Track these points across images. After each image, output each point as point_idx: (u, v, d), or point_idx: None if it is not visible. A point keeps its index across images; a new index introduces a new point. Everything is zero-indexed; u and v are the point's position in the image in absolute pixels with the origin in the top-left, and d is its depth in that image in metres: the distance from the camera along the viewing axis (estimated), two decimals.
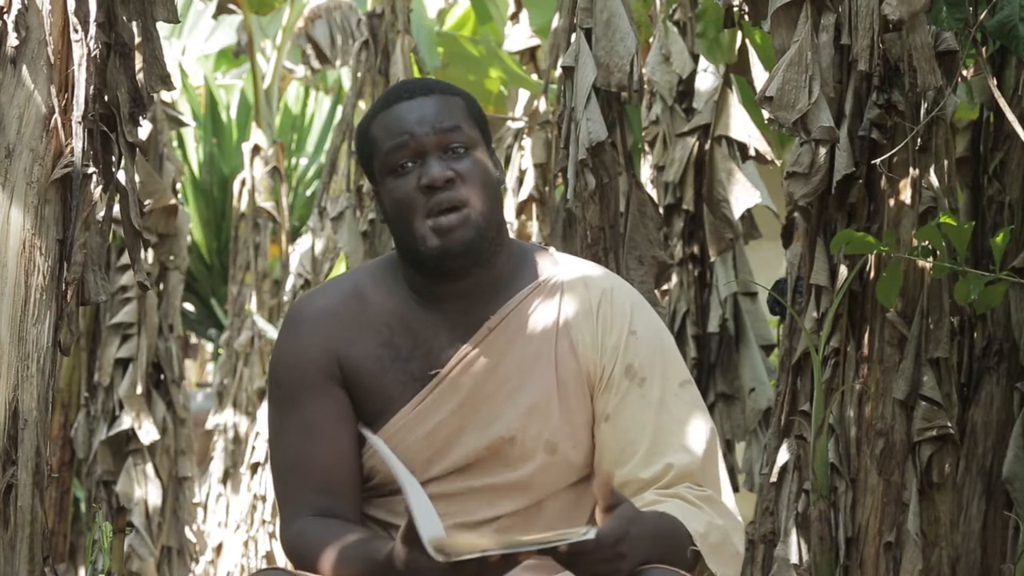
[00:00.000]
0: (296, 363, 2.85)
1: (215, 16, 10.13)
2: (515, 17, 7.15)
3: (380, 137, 2.82)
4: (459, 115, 2.82)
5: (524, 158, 6.99)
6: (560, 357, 2.84)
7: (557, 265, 2.91)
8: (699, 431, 2.82)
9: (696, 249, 6.47)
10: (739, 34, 5.51)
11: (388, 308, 2.85)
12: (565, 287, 2.88)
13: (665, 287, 6.24)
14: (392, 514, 2.85)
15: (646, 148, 6.48)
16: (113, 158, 3.36)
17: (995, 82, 3.99)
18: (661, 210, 5.99)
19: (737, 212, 5.96)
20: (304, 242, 8.79)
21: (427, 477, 2.81)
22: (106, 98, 3.34)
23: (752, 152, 5.89)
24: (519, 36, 6.96)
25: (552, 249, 2.96)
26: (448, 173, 2.76)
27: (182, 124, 7.94)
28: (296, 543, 2.80)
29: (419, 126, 2.79)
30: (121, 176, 3.36)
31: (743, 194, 5.94)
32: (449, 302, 2.83)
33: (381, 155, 2.81)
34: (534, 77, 7.07)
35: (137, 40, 3.39)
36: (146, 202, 6.98)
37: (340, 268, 7.49)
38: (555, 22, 5.55)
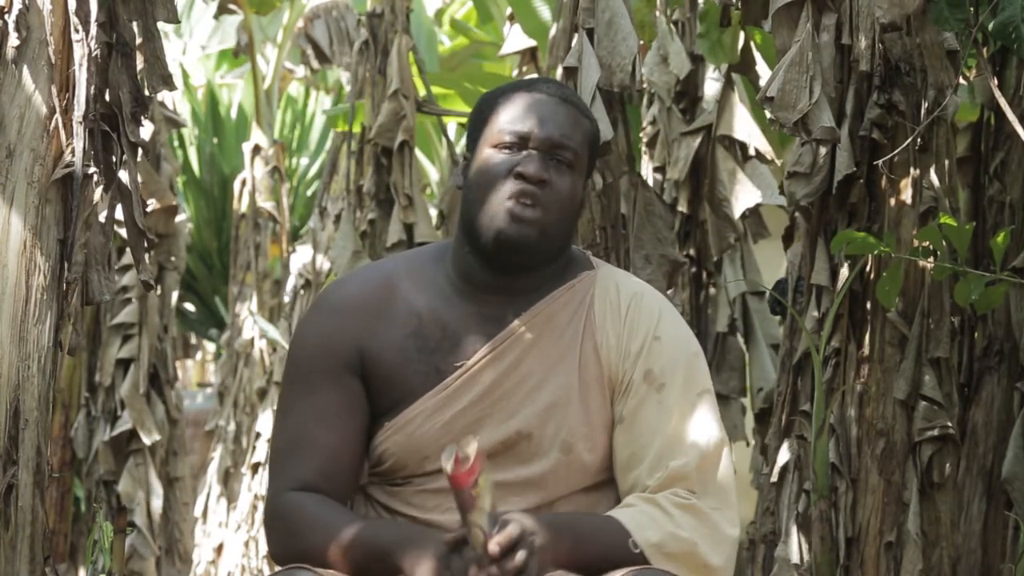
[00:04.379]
0: (315, 349, 2.88)
1: (216, 16, 10.15)
2: (514, 18, 7.15)
3: (504, 111, 2.87)
4: (580, 137, 2.88)
5: None
6: (584, 358, 2.87)
7: (593, 269, 2.95)
8: (704, 439, 2.83)
9: (693, 250, 6.47)
10: (741, 34, 5.51)
11: (420, 299, 2.88)
12: (596, 289, 2.91)
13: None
14: (401, 503, 2.87)
15: (644, 148, 6.48)
16: (115, 158, 3.36)
17: (996, 82, 3.99)
18: None
19: (737, 212, 5.96)
20: (305, 243, 8.80)
21: (439, 467, 2.82)
22: (107, 98, 3.34)
23: (752, 152, 5.89)
24: (518, 36, 6.96)
25: (590, 253, 3.00)
26: (544, 174, 2.81)
27: (178, 125, 7.95)
28: (290, 515, 2.81)
29: (542, 125, 2.84)
30: (123, 176, 3.36)
31: (744, 194, 5.95)
32: (484, 296, 2.87)
33: (496, 126, 2.86)
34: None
35: (138, 40, 3.39)
36: (149, 202, 6.99)
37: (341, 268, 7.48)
38: (556, 23, 5.54)
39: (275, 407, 9.28)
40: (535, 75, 2.99)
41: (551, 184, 2.81)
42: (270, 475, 2.91)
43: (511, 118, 2.85)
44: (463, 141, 9.13)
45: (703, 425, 2.84)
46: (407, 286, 2.89)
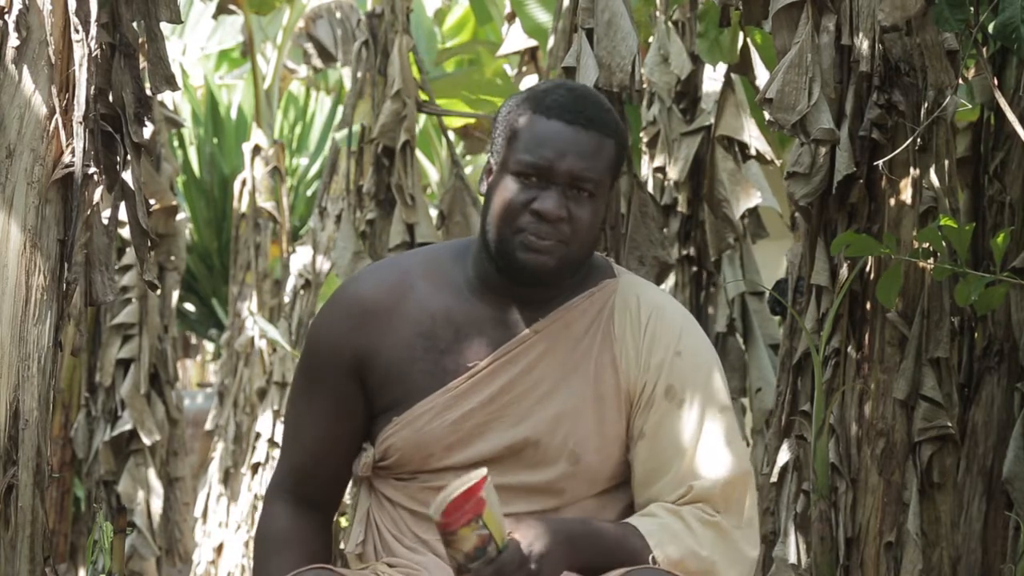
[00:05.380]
0: (319, 350, 2.93)
1: (215, 16, 10.15)
2: (512, 18, 7.15)
3: (523, 138, 2.82)
4: (602, 162, 2.82)
5: None
6: (599, 369, 2.85)
7: (614, 278, 2.93)
8: (729, 458, 2.82)
9: (692, 250, 6.48)
10: (740, 34, 5.52)
11: (436, 299, 2.88)
12: (616, 300, 2.89)
13: (661, 287, 6.24)
14: (406, 498, 2.89)
15: (644, 148, 6.48)
16: (118, 158, 3.36)
17: (996, 82, 3.99)
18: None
19: (738, 212, 5.96)
20: (305, 243, 8.80)
21: (445, 465, 2.84)
22: (110, 98, 3.34)
23: (753, 152, 5.90)
24: (517, 36, 6.96)
25: (612, 261, 2.99)
26: (562, 212, 2.78)
27: (178, 125, 7.96)
28: (263, 525, 2.98)
29: (561, 159, 2.79)
30: (127, 177, 3.36)
31: (744, 194, 5.96)
32: (502, 300, 2.86)
33: (516, 151, 2.82)
34: (534, 77, 7.07)
35: (141, 40, 3.39)
36: (151, 202, 7.00)
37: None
38: (556, 23, 5.55)
39: (277, 410, 9.33)
40: (560, 82, 2.91)
41: (570, 219, 2.78)
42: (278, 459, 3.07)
43: (532, 146, 2.80)
44: (463, 145, 9.14)
45: (728, 445, 2.83)
46: (423, 285, 2.89)
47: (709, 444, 2.82)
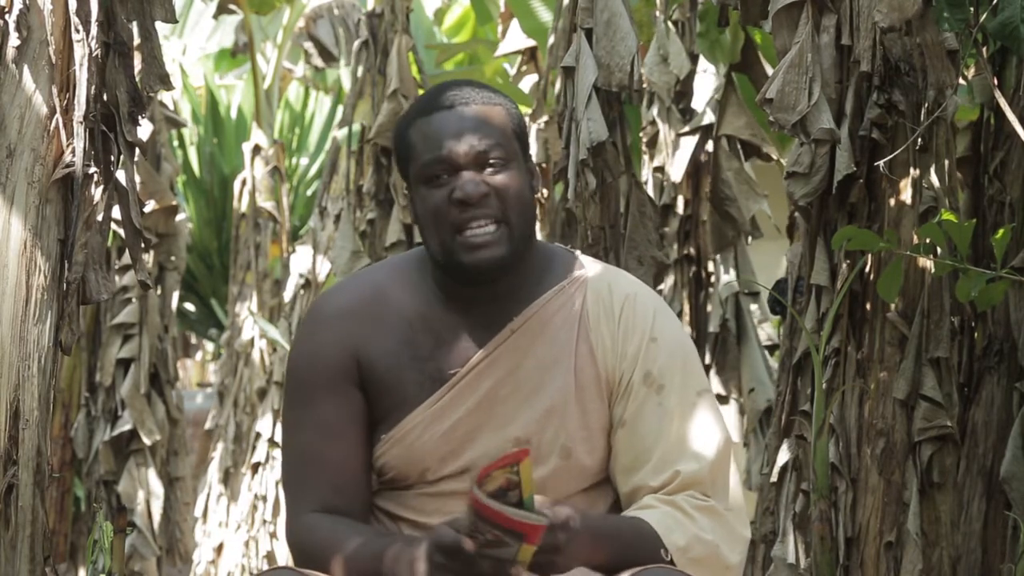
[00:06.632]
0: (314, 362, 2.86)
1: (215, 16, 10.15)
2: (509, 17, 7.16)
3: (417, 145, 2.81)
4: (498, 129, 2.80)
5: None
6: (579, 361, 2.85)
7: (582, 269, 2.92)
8: (711, 440, 2.83)
9: (692, 249, 6.48)
10: (742, 33, 5.52)
11: (411, 307, 2.86)
12: (589, 291, 2.89)
13: (660, 287, 6.25)
14: (401, 507, 2.87)
15: (644, 148, 6.49)
16: (111, 157, 3.36)
17: (996, 82, 3.99)
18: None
19: (746, 211, 5.97)
20: (305, 243, 8.80)
21: (440, 475, 2.84)
22: (105, 98, 3.34)
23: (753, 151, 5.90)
24: (515, 36, 6.97)
25: (578, 252, 2.98)
26: (482, 189, 2.76)
27: (179, 125, 7.96)
28: (304, 539, 2.82)
29: (456, 141, 2.77)
30: (120, 176, 3.36)
31: (752, 194, 5.96)
32: (473, 302, 2.85)
33: (417, 164, 2.80)
34: (534, 77, 7.07)
35: (136, 40, 3.39)
36: (148, 202, 6.99)
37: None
38: (555, 22, 5.55)
39: (277, 410, 9.32)
40: (429, 89, 2.89)
41: (493, 192, 2.76)
42: (286, 498, 2.90)
43: (426, 148, 2.78)
44: None
45: (709, 427, 2.84)
46: (397, 293, 2.87)
47: (690, 428, 2.82)
